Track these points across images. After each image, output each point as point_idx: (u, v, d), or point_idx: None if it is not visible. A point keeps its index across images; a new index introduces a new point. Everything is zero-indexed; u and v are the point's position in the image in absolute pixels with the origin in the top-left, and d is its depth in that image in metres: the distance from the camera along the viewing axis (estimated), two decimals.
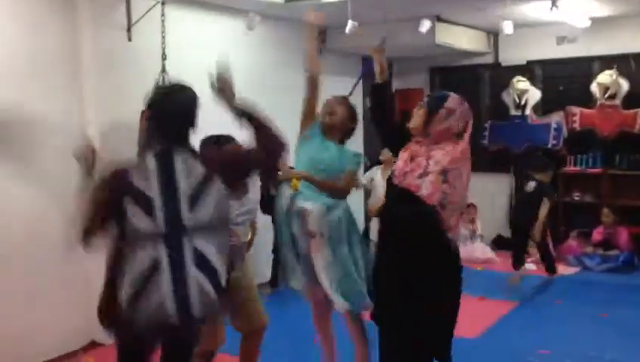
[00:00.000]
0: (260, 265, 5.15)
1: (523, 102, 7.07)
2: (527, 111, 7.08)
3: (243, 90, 6.37)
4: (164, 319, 2.20)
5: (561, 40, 6.96)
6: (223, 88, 2.65)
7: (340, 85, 7.14)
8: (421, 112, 2.60)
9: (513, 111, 7.16)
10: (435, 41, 6.15)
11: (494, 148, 7.32)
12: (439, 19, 6.13)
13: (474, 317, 4.64)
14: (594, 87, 6.72)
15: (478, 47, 7.22)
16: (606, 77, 6.61)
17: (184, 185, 2.31)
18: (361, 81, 7.53)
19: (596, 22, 6.23)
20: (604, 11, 6.10)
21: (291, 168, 3.14)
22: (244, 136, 2.56)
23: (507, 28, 5.35)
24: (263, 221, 4.61)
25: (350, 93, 3.94)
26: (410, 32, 5.91)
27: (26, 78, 3.98)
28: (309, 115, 3.09)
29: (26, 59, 3.98)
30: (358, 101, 7.47)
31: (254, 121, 2.54)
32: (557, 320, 4.82)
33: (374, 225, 5.14)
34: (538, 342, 4.29)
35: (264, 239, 4.80)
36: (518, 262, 5.81)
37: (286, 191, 2.95)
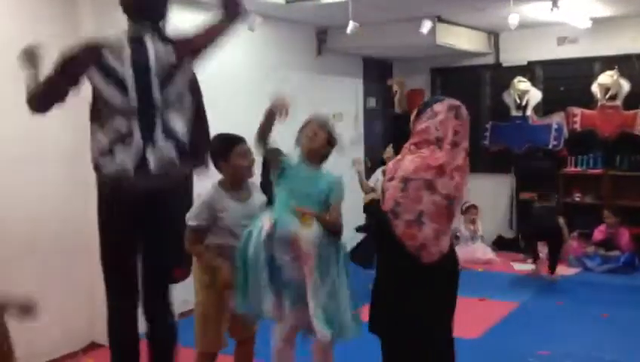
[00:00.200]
0: None
1: (524, 103, 7.06)
2: (528, 112, 7.08)
3: (244, 91, 6.41)
4: (124, 173, 2.55)
5: (562, 40, 6.96)
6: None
7: (341, 85, 7.16)
8: (415, 112, 2.61)
9: (514, 112, 7.16)
10: (436, 42, 6.15)
11: (495, 149, 7.31)
12: (440, 19, 6.12)
13: (474, 317, 4.64)
14: (595, 88, 6.72)
15: (479, 47, 7.21)
16: (607, 78, 6.61)
17: (156, 67, 2.58)
18: (361, 81, 7.54)
19: (597, 22, 6.22)
20: (605, 12, 6.10)
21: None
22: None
23: (513, 20, 5.30)
24: None
25: None
26: (411, 33, 5.90)
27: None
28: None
29: None
30: (359, 101, 7.50)
31: None
32: (558, 321, 4.81)
33: None
34: (539, 342, 4.28)
35: None
36: (554, 268, 6.03)
37: (264, 218, 2.85)
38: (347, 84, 7.29)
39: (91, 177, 4.29)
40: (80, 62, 2.61)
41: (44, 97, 2.71)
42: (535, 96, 7.09)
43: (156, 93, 2.60)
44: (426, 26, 5.71)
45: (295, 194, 2.84)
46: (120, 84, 2.56)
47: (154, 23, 2.72)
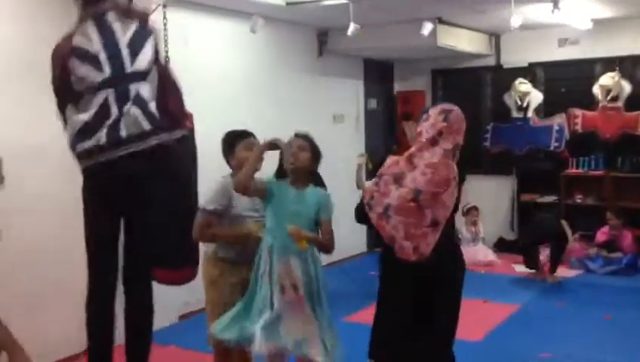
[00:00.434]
0: None
1: (525, 105, 7.05)
2: (529, 114, 7.07)
3: (245, 92, 6.41)
4: (99, 146, 2.63)
5: (562, 42, 6.96)
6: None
7: (342, 87, 7.16)
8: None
9: (515, 114, 7.15)
10: (437, 43, 6.15)
11: (496, 151, 7.30)
12: (441, 21, 6.12)
13: (476, 320, 4.63)
14: (596, 89, 6.71)
15: (480, 49, 7.21)
16: (608, 79, 6.60)
17: (123, 39, 2.69)
18: (362, 83, 7.55)
19: (598, 24, 6.22)
20: (605, 13, 6.09)
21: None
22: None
23: (515, 22, 5.30)
24: None
25: None
26: (412, 34, 5.90)
27: (25, 78, 3.98)
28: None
29: (26, 63, 3.98)
30: (360, 102, 7.50)
31: None
32: (559, 323, 4.80)
33: None
34: (540, 344, 4.27)
35: None
36: (555, 269, 6.04)
37: (264, 247, 2.87)
38: (348, 86, 7.29)
39: None
40: (64, 65, 2.76)
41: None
42: (536, 97, 7.08)
43: (127, 63, 2.70)
44: (427, 28, 5.71)
45: (285, 215, 2.81)
46: (94, 61, 2.68)
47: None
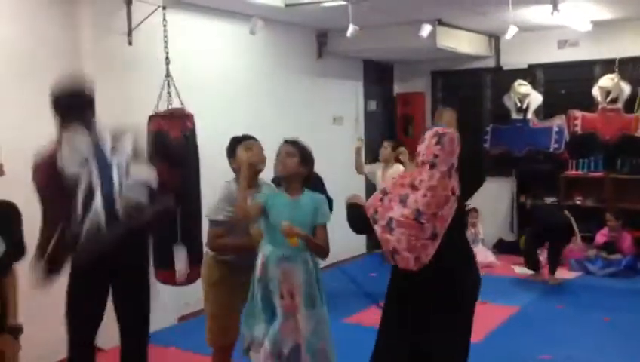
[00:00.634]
0: None
1: (524, 106, 7.05)
2: (529, 115, 7.06)
3: (245, 94, 6.40)
4: (97, 226, 2.74)
5: (562, 44, 6.96)
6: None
7: (341, 88, 7.16)
8: None
9: (515, 115, 7.14)
10: (437, 45, 6.15)
11: (496, 152, 7.30)
12: (440, 22, 6.13)
13: (476, 321, 4.61)
14: (595, 91, 6.71)
15: (480, 50, 7.21)
16: (608, 80, 6.60)
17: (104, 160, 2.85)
18: (362, 84, 7.55)
19: (598, 25, 6.22)
20: (605, 15, 6.09)
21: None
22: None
23: (510, 31, 5.33)
24: None
25: None
26: (412, 36, 5.90)
27: (25, 81, 3.98)
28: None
29: (26, 62, 3.98)
30: (359, 104, 7.50)
31: None
32: (559, 324, 4.80)
33: None
34: (540, 346, 4.27)
35: None
36: (555, 270, 6.05)
37: (260, 255, 2.90)
38: (347, 87, 7.29)
39: None
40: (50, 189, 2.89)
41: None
42: (536, 99, 7.08)
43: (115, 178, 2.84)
44: (426, 30, 5.71)
45: (280, 223, 2.80)
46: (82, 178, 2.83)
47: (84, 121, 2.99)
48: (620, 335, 4.54)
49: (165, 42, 4.27)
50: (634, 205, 6.59)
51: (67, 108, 3.01)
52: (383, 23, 6.10)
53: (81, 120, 2.96)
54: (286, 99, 6.15)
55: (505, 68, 7.37)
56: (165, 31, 4.28)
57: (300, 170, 2.91)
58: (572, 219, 6.07)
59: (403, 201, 2.71)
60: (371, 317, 5.00)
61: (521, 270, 6.47)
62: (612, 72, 6.60)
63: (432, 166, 2.72)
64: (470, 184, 3.05)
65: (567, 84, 7.08)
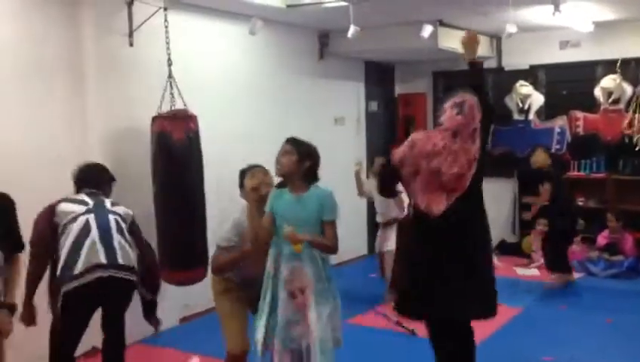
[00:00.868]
0: None
1: (526, 107, 7.04)
2: (531, 116, 7.06)
3: (246, 95, 6.39)
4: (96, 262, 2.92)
5: (564, 44, 6.95)
6: None
7: (343, 89, 7.16)
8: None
9: (516, 116, 7.14)
10: (438, 46, 6.14)
11: (497, 153, 7.28)
12: (441, 23, 6.12)
13: (478, 322, 4.60)
14: (597, 92, 6.70)
15: (481, 51, 7.16)
16: (610, 81, 6.59)
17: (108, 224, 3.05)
18: (363, 85, 7.54)
19: (599, 26, 6.21)
20: (607, 15, 6.08)
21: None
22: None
23: (510, 28, 5.31)
24: None
25: None
26: (413, 37, 5.89)
27: (27, 83, 3.98)
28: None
29: (27, 64, 3.98)
30: (360, 104, 7.49)
31: None
32: (561, 326, 4.79)
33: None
34: (542, 348, 4.26)
35: None
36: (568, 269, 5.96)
37: (270, 255, 2.94)
38: (349, 88, 7.28)
39: None
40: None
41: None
42: (537, 100, 7.07)
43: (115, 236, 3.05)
44: (428, 30, 5.70)
45: (290, 222, 2.82)
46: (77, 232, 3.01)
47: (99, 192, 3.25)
48: (623, 337, 4.53)
49: (167, 43, 4.27)
50: (636, 206, 6.57)
51: (82, 180, 3.30)
52: (384, 24, 6.09)
53: (92, 188, 3.24)
54: (288, 100, 6.14)
55: (506, 68, 7.36)
56: (167, 32, 4.28)
57: (297, 167, 2.89)
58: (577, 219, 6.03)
59: (429, 157, 2.86)
60: (371, 318, 5.00)
61: (524, 271, 6.46)
62: (614, 72, 6.58)
63: (455, 134, 2.86)
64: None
65: (568, 84, 7.07)
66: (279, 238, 2.88)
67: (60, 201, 3.12)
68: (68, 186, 4.15)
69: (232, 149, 5.04)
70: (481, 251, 3.11)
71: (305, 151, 2.92)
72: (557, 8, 5.05)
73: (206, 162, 4.31)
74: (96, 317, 3.21)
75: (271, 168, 3.11)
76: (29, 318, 3.11)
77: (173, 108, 4.26)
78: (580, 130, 6.85)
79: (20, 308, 3.03)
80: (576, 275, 6.30)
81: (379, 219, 5.52)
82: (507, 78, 7.24)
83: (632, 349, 4.26)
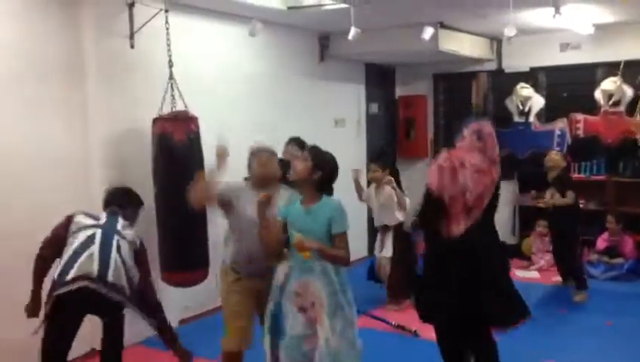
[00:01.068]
0: None
1: (526, 109, 7.03)
2: (531, 118, 7.05)
3: (247, 96, 6.38)
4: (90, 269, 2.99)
5: (564, 47, 6.95)
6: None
7: (343, 91, 7.16)
8: None
9: (517, 118, 7.13)
10: (438, 48, 6.14)
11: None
12: (442, 25, 6.12)
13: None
14: (598, 94, 6.69)
15: (482, 53, 7.21)
16: (610, 83, 6.59)
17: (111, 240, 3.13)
18: (364, 87, 7.54)
19: (600, 28, 6.21)
20: (607, 18, 6.09)
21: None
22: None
23: (510, 31, 5.30)
24: None
25: None
26: (413, 39, 5.89)
27: (28, 84, 3.99)
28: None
29: (28, 65, 3.99)
30: (361, 106, 7.49)
31: None
32: (562, 329, 4.79)
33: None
34: (543, 351, 4.25)
35: None
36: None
37: (282, 268, 2.93)
38: (350, 90, 7.29)
39: (93, 183, 4.30)
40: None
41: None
42: (538, 102, 7.06)
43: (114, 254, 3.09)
44: (428, 33, 5.70)
45: (299, 233, 2.80)
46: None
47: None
48: (623, 339, 4.52)
49: (168, 45, 4.28)
50: (636, 208, 6.57)
51: (106, 201, 3.44)
52: (384, 26, 6.10)
53: (114, 209, 3.34)
54: (288, 101, 6.14)
55: (507, 71, 7.37)
56: (168, 34, 4.28)
57: (311, 175, 2.86)
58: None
59: (457, 172, 3.03)
60: (372, 321, 4.99)
61: (524, 274, 6.46)
62: (614, 75, 6.58)
63: (484, 153, 3.15)
64: None
65: (569, 87, 7.07)
66: (292, 250, 2.85)
67: (78, 213, 3.27)
68: (68, 187, 4.17)
69: (233, 151, 5.03)
70: (499, 267, 3.33)
71: (320, 160, 2.90)
72: (557, 11, 5.05)
73: (207, 163, 4.32)
74: (96, 319, 3.20)
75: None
76: (33, 310, 3.22)
77: (174, 109, 4.27)
78: (581, 133, 6.84)
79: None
80: None
81: (377, 224, 5.54)
82: (507, 81, 7.24)
83: (632, 352, 4.26)
